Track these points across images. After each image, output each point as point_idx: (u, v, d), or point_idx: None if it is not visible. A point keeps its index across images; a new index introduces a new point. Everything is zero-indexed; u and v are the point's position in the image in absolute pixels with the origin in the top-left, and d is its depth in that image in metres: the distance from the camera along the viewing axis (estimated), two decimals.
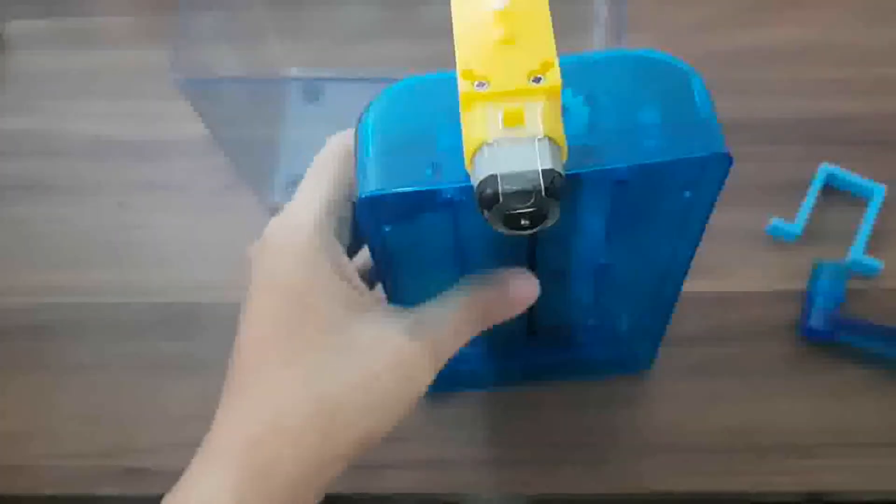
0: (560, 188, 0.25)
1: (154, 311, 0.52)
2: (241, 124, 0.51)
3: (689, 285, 0.38)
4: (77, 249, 0.54)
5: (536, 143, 0.25)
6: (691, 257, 0.35)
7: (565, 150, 0.26)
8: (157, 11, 0.61)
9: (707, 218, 0.32)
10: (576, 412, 0.48)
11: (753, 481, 0.46)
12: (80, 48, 0.61)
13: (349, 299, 0.32)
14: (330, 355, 0.31)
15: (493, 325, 0.34)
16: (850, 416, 0.47)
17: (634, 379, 0.48)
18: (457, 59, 0.26)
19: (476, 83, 0.26)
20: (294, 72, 0.57)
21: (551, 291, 0.36)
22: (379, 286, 0.35)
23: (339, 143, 0.34)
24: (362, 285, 0.34)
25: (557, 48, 0.26)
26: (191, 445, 0.31)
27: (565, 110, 0.27)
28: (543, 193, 0.25)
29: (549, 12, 0.27)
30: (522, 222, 0.26)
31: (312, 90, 0.55)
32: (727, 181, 0.30)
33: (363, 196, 0.28)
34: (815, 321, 0.48)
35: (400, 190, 0.28)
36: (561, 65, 0.26)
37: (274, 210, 0.54)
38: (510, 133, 0.25)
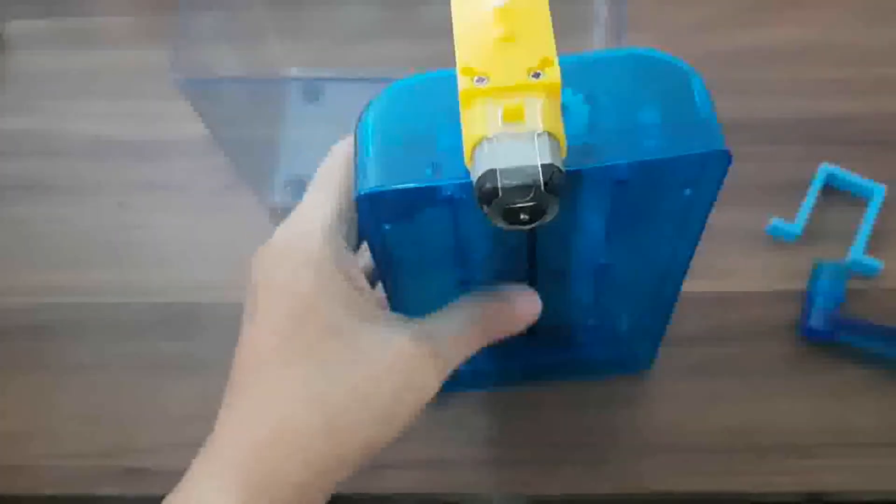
0: (559, 183, 0.25)
1: (154, 311, 0.52)
2: (241, 124, 0.51)
3: (689, 285, 0.38)
4: (77, 249, 0.54)
5: (536, 138, 0.25)
6: (691, 257, 0.35)
7: (565, 146, 0.26)
8: (157, 11, 0.61)
9: (707, 217, 0.32)
10: (576, 412, 0.48)
11: (753, 481, 0.46)
12: (80, 48, 0.61)
13: (356, 305, 0.31)
14: (334, 358, 0.31)
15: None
16: (850, 416, 0.47)
17: (634, 379, 0.48)
18: (456, 57, 0.26)
19: (476, 78, 0.26)
20: (294, 72, 0.57)
21: (551, 291, 0.36)
22: (379, 286, 0.35)
23: (343, 150, 0.33)
24: (370, 291, 0.33)
25: (557, 48, 0.26)
26: (191, 445, 0.31)
27: (565, 109, 0.27)
28: (543, 188, 0.25)
29: (548, 10, 0.27)
30: (522, 217, 0.26)
31: (312, 90, 0.55)
32: (727, 181, 0.30)
33: (363, 193, 0.28)
34: (815, 321, 0.48)
35: (399, 186, 0.28)
36: (561, 64, 0.26)
37: (274, 210, 0.54)
38: (510, 128, 0.25)
